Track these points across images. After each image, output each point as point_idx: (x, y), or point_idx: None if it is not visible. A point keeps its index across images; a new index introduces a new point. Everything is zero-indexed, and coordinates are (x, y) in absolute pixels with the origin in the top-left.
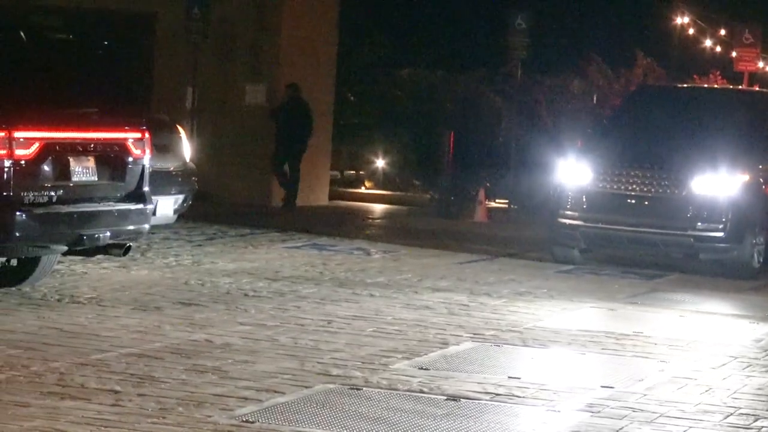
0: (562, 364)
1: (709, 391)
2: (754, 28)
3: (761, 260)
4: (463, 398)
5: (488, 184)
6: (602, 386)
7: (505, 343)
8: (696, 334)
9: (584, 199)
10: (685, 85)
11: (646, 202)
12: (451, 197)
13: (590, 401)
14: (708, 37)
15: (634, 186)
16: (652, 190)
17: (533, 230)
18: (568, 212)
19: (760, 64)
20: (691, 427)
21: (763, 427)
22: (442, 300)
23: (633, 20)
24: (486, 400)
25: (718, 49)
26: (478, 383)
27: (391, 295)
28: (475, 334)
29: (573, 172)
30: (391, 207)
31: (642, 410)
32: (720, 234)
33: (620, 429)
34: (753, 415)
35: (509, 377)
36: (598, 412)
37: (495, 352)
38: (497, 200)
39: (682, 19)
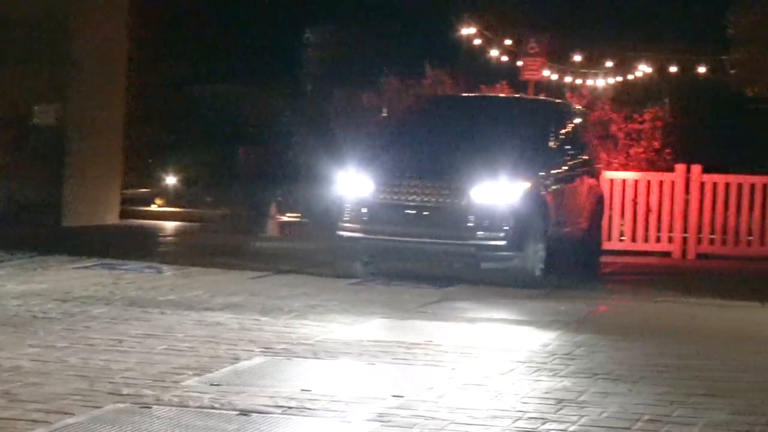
0: (353, 375)
1: (498, 397)
2: (540, 38)
3: (543, 267)
4: (255, 412)
5: (280, 199)
6: (393, 395)
7: (296, 356)
8: (485, 341)
9: (365, 211)
10: (466, 95)
11: (427, 213)
12: (242, 213)
13: (381, 411)
14: (494, 47)
15: (415, 196)
16: (433, 200)
17: (325, 243)
18: (349, 225)
19: (545, 73)
20: None
21: (550, 430)
22: (233, 315)
23: (422, 32)
24: (278, 413)
25: (505, 59)
26: (270, 397)
27: (182, 312)
28: (266, 348)
29: (353, 183)
30: (182, 224)
31: (432, 418)
32: (501, 242)
33: None
34: (541, 418)
35: (301, 390)
36: (389, 421)
37: (286, 365)
38: (289, 214)
39: (468, 30)
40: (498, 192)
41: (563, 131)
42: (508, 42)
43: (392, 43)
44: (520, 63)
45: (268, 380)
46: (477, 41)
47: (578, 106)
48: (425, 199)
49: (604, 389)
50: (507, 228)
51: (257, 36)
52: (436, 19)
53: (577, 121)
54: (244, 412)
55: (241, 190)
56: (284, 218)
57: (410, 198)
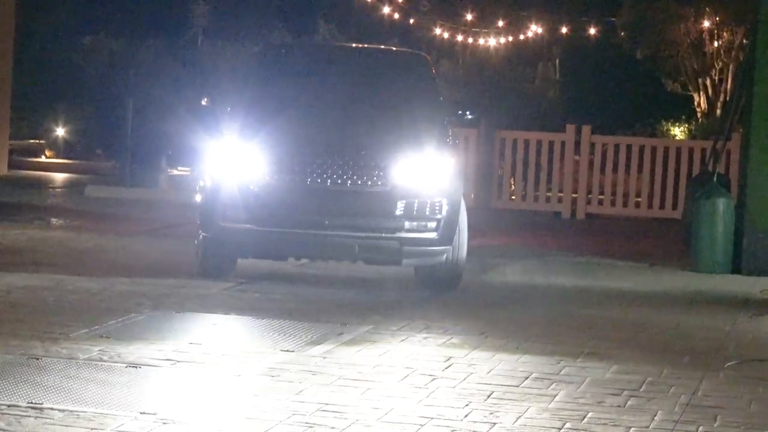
0: (243, 330)
1: (387, 353)
2: None
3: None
4: (144, 365)
5: (170, 152)
6: (282, 350)
7: (187, 311)
8: (377, 300)
9: (255, 196)
10: (359, 45)
11: (338, 197)
12: (133, 165)
13: (271, 365)
14: (386, 5)
15: (322, 176)
16: (345, 180)
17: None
18: (232, 213)
19: (437, 31)
20: (369, 389)
21: (439, 386)
22: (124, 267)
23: None
24: (167, 366)
25: (397, 16)
26: (159, 350)
27: (73, 266)
28: (157, 302)
29: (234, 160)
30: (73, 176)
31: (321, 373)
32: (432, 235)
33: (299, 392)
34: (430, 375)
35: (190, 343)
36: (278, 375)
37: (178, 319)
38: (180, 168)
39: None
40: (426, 169)
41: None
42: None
43: None
44: (411, 21)
45: (158, 333)
46: None
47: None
48: (335, 179)
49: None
50: (440, 217)
51: None
52: None
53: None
54: (133, 365)
55: (131, 143)
56: (175, 171)
57: (315, 178)
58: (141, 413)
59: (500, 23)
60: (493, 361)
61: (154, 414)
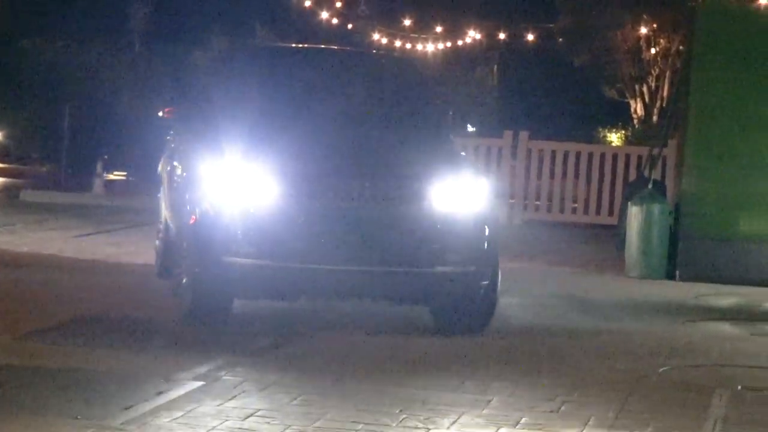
0: None
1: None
2: (370, 2)
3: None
4: None
5: (106, 157)
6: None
7: None
8: None
9: (268, 225)
10: (339, 48)
11: (365, 226)
12: (68, 170)
13: None
14: (325, 9)
15: (346, 203)
16: (372, 206)
17: (151, 201)
18: (238, 246)
19: (376, 36)
20: None
21: None
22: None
23: None
24: None
25: (335, 21)
26: None
27: (8, 271)
28: None
29: (241, 182)
30: (7, 180)
31: None
32: (472, 268)
33: None
34: None
35: None
36: None
37: None
38: (115, 173)
39: None
40: (463, 192)
41: None
42: (338, 5)
43: (222, 1)
44: (350, 26)
45: None
46: (307, 3)
47: None
48: (363, 204)
49: None
50: (479, 246)
51: None
52: None
53: None
54: None
55: (67, 147)
56: (110, 176)
57: (339, 204)
58: None
59: (438, 29)
60: None
61: None
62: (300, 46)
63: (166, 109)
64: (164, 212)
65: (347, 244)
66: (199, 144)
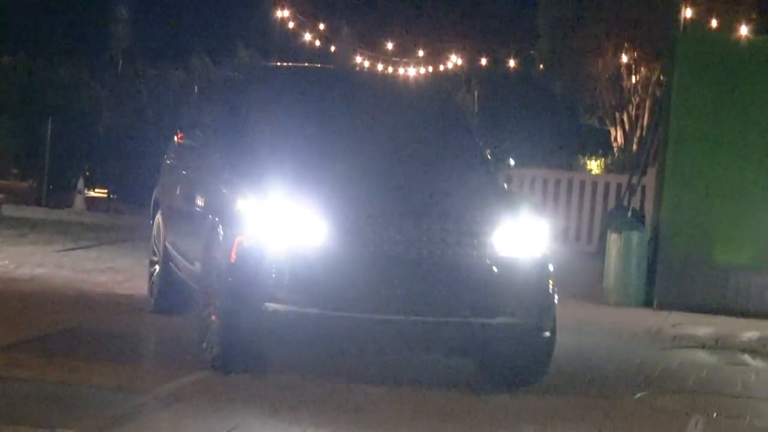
0: None
1: None
2: (353, 25)
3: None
4: None
5: (88, 174)
6: None
7: None
8: None
9: (319, 271)
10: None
11: (415, 273)
12: (49, 186)
13: None
14: (308, 31)
15: (392, 247)
16: (425, 252)
17: (132, 219)
18: (285, 293)
19: (358, 59)
20: None
21: None
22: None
23: (235, 13)
24: None
25: (318, 43)
26: None
27: None
28: None
29: (285, 220)
30: None
31: None
32: (534, 320)
33: None
34: None
35: None
36: None
37: None
38: (97, 189)
39: (282, 13)
40: (524, 236)
41: None
42: (321, 26)
43: (204, 21)
44: (333, 48)
45: None
46: (291, 24)
47: None
48: (416, 250)
49: None
50: (541, 293)
51: (68, 9)
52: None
53: None
54: None
55: (47, 164)
56: (92, 193)
57: (392, 248)
58: None
59: (420, 53)
60: None
61: None
62: (348, 69)
63: (180, 134)
64: (166, 241)
65: (402, 292)
66: (234, 176)
